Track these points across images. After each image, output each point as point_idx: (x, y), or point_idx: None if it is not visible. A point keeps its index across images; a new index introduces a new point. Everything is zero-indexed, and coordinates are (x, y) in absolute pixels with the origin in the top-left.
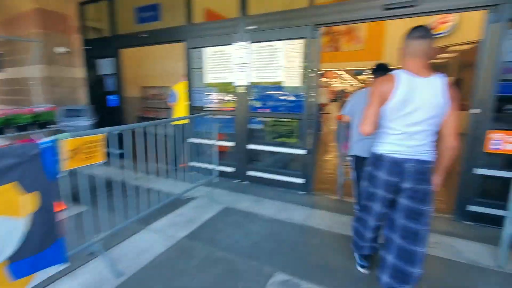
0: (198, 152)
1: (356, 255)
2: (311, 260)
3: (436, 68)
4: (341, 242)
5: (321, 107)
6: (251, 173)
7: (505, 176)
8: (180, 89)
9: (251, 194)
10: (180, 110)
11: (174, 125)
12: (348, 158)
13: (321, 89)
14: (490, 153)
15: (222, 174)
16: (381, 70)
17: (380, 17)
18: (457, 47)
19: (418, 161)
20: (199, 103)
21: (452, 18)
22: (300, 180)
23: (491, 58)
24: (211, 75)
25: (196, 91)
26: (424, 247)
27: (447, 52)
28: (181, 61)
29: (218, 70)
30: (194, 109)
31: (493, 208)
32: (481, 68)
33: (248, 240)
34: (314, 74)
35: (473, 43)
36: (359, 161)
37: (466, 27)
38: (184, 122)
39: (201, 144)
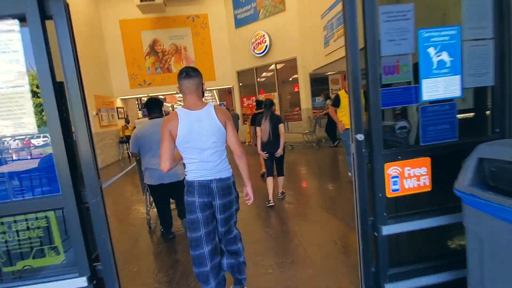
0: None
1: None
2: None
3: (261, 86)
4: None
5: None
6: None
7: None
8: None
9: None
10: None
11: None
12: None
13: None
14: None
15: None
16: (152, 105)
17: None
18: (273, 66)
19: (220, 180)
20: None
21: (266, 39)
22: None
23: (369, 52)
24: None
25: None
26: (240, 242)
27: (267, 71)
28: None
29: None
30: None
31: (420, 276)
32: (353, 68)
33: None
34: (76, 99)
35: (285, 61)
36: (151, 189)
37: (278, 48)
38: None
39: None
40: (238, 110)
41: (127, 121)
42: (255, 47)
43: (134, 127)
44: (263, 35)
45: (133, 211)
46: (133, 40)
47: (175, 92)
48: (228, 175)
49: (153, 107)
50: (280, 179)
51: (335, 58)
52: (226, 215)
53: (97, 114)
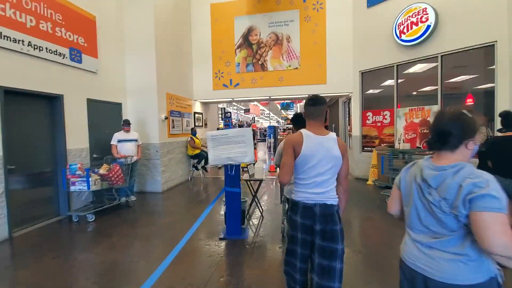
0: None
1: None
2: None
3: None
4: None
5: None
6: None
7: None
8: None
9: None
10: None
11: None
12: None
13: None
14: None
15: None
16: (299, 119)
17: None
18: (429, 64)
19: (325, 205)
20: None
21: (429, 16)
22: None
23: None
24: None
25: None
26: (340, 283)
27: (402, 75)
28: None
29: None
30: None
31: None
32: None
33: None
34: None
35: (461, 52)
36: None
37: (451, 30)
38: None
39: None
40: (357, 130)
41: (194, 133)
42: (404, 30)
43: (204, 146)
44: (424, 9)
45: None
46: (224, 28)
47: (267, 97)
48: (333, 202)
49: (300, 122)
50: None
51: None
52: (326, 244)
53: (166, 118)
